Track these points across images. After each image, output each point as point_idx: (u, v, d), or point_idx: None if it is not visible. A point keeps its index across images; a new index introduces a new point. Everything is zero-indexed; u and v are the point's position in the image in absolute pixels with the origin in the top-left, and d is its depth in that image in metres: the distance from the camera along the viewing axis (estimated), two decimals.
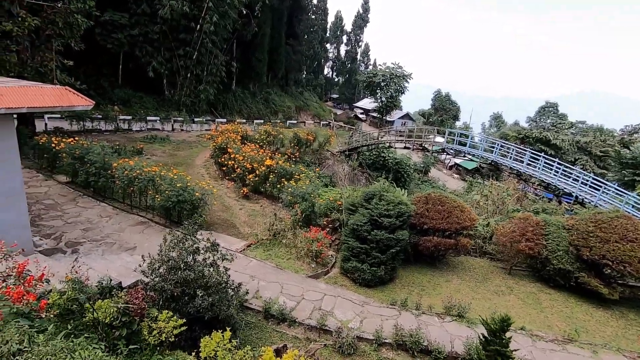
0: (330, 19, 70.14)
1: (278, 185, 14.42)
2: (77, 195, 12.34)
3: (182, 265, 5.72)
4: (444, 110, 64.10)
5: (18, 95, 6.25)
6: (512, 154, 22.16)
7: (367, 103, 63.73)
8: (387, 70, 51.29)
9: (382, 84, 50.57)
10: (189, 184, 11.16)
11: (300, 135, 22.49)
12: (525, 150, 21.68)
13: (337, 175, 20.16)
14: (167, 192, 10.69)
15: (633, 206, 16.95)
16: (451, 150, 27.97)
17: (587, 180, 18.94)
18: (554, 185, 20.36)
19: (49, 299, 4.16)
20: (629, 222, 10.61)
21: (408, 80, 50.82)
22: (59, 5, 14.86)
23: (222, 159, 17.07)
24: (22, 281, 4.25)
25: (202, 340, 4.43)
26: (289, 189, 12.95)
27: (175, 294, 5.46)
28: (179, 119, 28.05)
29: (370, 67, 72.86)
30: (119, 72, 28.60)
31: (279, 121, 37.73)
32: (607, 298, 10.50)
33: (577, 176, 19.39)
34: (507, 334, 5.77)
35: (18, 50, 14.27)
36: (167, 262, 5.72)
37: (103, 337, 4.06)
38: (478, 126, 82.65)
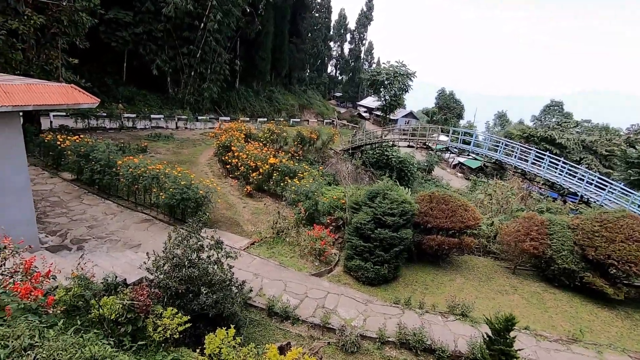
0: (334, 17, 69.79)
1: (281, 184, 14.45)
2: (82, 193, 12.43)
3: (186, 263, 5.75)
4: (448, 109, 63.79)
5: (25, 93, 6.29)
6: (516, 152, 22.03)
7: (371, 101, 63.42)
8: (390, 68, 51.00)
9: (386, 82, 50.31)
10: (193, 182, 11.22)
11: (304, 134, 22.51)
12: (530, 149, 21.51)
13: (341, 174, 20.11)
14: (171, 190, 10.75)
15: (639, 206, 16.80)
16: (455, 149, 27.78)
17: (593, 180, 18.77)
18: (559, 185, 20.20)
19: (55, 295, 4.20)
20: (635, 222, 10.54)
21: (412, 78, 50.53)
22: (64, 3, 14.91)
23: (226, 157, 17.13)
24: (29, 277, 4.29)
25: (206, 337, 4.43)
26: (293, 187, 12.97)
27: (180, 291, 5.48)
28: (183, 117, 28.12)
29: (374, 65, 72.47)
30: (123, 70, 28.68)
31: (282, 119, 37.65)
32: (612, 298, 10.45)
33: (583, 175, 19.22)
34: (511, 334, 5.76)
35: (24, 49, 14.37)
36: (171, 260, 5.75)
37: (109, 333, 4.08)
38: (482, 125, 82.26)
